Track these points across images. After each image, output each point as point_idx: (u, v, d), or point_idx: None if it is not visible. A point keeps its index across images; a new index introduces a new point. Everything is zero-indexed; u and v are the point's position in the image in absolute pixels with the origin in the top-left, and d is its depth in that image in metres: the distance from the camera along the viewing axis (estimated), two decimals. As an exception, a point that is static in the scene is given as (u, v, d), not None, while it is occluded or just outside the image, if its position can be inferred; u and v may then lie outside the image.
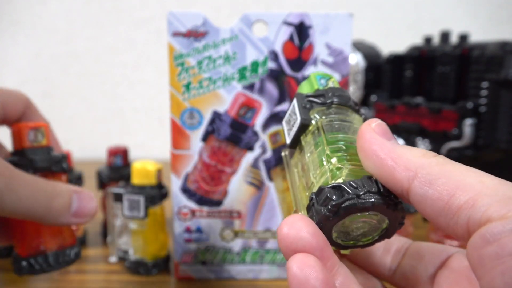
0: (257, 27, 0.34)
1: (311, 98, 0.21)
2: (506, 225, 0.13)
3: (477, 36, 0.63)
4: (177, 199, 0.35)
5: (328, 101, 0.21)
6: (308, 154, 0.20)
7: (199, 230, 0.36)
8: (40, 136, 0.28)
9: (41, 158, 0.27)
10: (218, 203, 0.35)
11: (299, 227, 0.17)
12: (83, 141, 0.84)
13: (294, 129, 0.21)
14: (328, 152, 0.19)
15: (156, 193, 0.36)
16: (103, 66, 0.83)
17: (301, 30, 0.32)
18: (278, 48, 0.33)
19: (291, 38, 0.33)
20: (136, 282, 0.36)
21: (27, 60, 0.82)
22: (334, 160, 0.18)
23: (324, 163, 0.19)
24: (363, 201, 0.17)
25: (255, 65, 0.33)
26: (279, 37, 0.33)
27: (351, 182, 0.17)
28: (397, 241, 0.21)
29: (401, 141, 0.51)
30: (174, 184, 0.35)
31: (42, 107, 0.32)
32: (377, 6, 0.81)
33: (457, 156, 0.44)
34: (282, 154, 0.23)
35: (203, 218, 0.35)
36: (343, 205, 0.17)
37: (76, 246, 0.29)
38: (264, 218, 0.35)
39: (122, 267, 0.38)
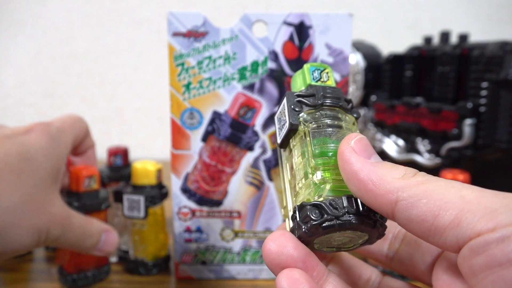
0: (257, 27, 0.34)
1: (301, 99, 0.21)
2: (493, 235, 0.13)
3: (477, 36, 0.63)
4: (177, 199, 0.35)
5: (319, 102, 0.20)
6: (296, 159, 0.20)
7: (199, 230, 0.36)
8: (92, 182, 0.34)
9: (92, 202, 0.33)
10: (218, 203, 0.35)
11: (280, 242, 0.18)
12: (83, 141, 0.84)
13: (284, 131, 0.21)
14: (313, 164, 0.19)
15: (156, 193, 0.36)
16: (103, 66, 0.83)
17: (301, 30, 0.32)
18: (278, 48, 0.33)
19: (291, 38, 0.33)
20: (136, 282, 0.36)
21: (27, 60, 0.82)
22: (318, 174, 0.19)
23: (309, 175, 0.19)
24: (341, 222, 0.17)
25: (255, 65, 0.33)
26: (279, 37, 0.33)
27: (332, 202, 0.17)
28: (393, 227, 0.21)
29: (401, 142, 0.51)
30: (174, 184, 0.35)
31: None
32: (377, 6, 0.81)
33: (457, 156, 0.44)
34: (276, 144, 0.23)
35: (203, 218, 0.35)
36: (321, 225, 0.17)
37: (108, 264, 0.37)
38: (264, 218, 0.35)
39: (122, 267, 0.38)
